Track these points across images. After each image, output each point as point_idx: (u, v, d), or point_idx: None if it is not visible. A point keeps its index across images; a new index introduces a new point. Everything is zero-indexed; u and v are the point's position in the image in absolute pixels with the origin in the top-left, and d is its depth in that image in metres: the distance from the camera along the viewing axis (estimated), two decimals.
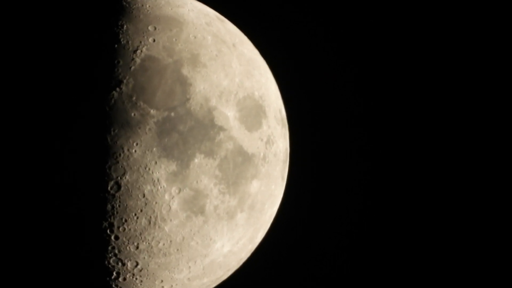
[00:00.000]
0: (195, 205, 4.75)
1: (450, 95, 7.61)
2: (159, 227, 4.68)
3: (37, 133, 4.52)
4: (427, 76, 7.62)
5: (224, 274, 5.43)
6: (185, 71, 4.75)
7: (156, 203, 4.63)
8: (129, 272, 4.84)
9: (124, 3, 4.96)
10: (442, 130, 7.60)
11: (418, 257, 7.61)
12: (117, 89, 4.57)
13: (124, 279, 4.88)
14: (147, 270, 4.85)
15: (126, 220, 4.63)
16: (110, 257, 4.74)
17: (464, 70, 7.57)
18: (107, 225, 4.62)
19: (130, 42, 4.72)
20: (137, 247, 4.72)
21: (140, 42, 4.74)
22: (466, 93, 7.58)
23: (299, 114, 6.85)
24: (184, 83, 4.72)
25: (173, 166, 4.62)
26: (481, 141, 7.55)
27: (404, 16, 7.59)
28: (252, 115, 5.04)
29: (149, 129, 4.56)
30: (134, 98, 4.57)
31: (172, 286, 5.06)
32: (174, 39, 4.84)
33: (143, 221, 4.64)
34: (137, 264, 4.80)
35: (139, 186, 4.58)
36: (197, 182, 4.70)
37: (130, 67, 4.63)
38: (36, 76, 4.59)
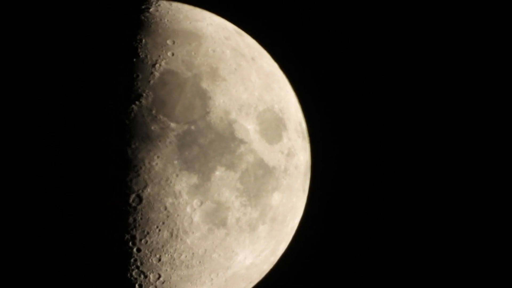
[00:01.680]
0: (217, 217, 4.65)
1: (477, 100, 7.45)
2: (181, 239, 4.59)
3: (57, 146, 4.44)
4: (454, 85, 7.45)
5: (247, 286, 5.32)
6: (204, 84, 4.68)
7: (178, 215, 4.54)
8: (152, 285, 4.74)
9: (143, 18, 4.89)
10: (471, 139, 7.40)
11: (448, 274, 7.40)
12: (137, 102, 4.49)
13: None
14: (170, 283, 4.75)
15: (148, 233, 4.53)
16: (133, 270, 4.64)
17: (488, 74, 7.37)
18: (129, 238, 4.53)
19: (149, 56, 4.66)
20: (159, 260, 4.62)
21: (159, 56, 4.67)
22: (492, 97, 7.38)
23: (320, 127, 6.66)
24: (203, 97, 4.64)
25: (194, 179, 4.53)
26: (507, 146, 7.33)
27: (430, 23, 7.46)
28: (272, 128, 4.95)
29: (170, 142, 4.48)
30: (154, 111, 4.49)
31: None
32: (193, 53, 4.77)
33: (165, 233, 4.55)
34: (160, 276, 4.70)
35: (161, 199, 4.49)
36: (218, 194, 4.61)
37: (149, 81, 4.56)
38: (56, 90, 4.52)
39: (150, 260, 4.61)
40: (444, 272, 7.38)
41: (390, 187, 7.49)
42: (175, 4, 5.15)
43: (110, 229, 4.50)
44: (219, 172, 4.59)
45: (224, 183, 4.61)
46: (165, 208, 4.50)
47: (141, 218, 4.49)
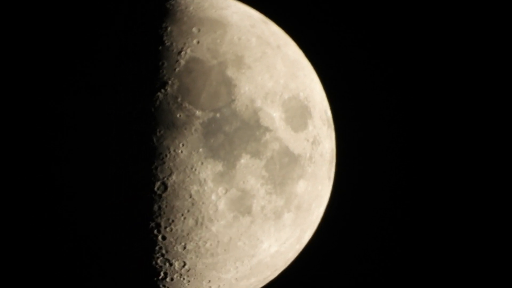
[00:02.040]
0: (242, 205, 4.61)
1: (500, 95, 7.31)
2: (206, 227, 4.56)
3: (84, 134, 4.43)
4: (481, 75, 7.31)
5: (272, 274, 5.28)
6: (229, 72, 4.63)
7: (203, 203, 4.51)
8: (177, 273, 4.72)
9: (168, 6, 4.84)
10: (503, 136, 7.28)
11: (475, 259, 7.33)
12: (162, 90, 4.46)
13: (172, 279, 4.76)
14: (195, 270, 4.73)
15: (173, 221, 4.51)
16: (158, 257, 4.62)
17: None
18: (154, 226, 4.51)
19: (174, 44, 4.61)
20: (185, 247, 4.60)
21: (184, 44, 4.63)
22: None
23: (345, 115, 6.65)
24: (229, 85, 4.60)
25: (219, 167, 4.49)
26: None
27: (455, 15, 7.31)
28: (298, 115, 4.89)
29: (195, 130, 4.44)
30: (179, 99, 4.46)
31: (219, 286, 4.93)
32: (218, 41, 4.72)
33: (190, 221, 4.52)
34: (185, 264, 4.68)
35: (186, 187, 4.46)
36: (243, 182, 4.57)
37: (175, 69, 4.52)
38: (83, 79, 4.50)
39: (175, 248, 4.58)
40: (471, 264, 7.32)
41: (417, 174, 7.42)
42: None
43: (135, 217, 4.48)
44: (244, 160, 4.55)
45: (249, 170, 4.58)
46: (190, 196, 4.47)
47: (166, 206, 4.46)
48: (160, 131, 4.40)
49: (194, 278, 4.77)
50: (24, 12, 4.71)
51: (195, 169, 4.44)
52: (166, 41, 4.60)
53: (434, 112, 7.40)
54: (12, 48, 4.59)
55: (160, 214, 4.47)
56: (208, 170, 4.46)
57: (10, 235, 4.53)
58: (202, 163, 4.44)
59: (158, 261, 4.63)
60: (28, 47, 4.59)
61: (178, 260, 4.64)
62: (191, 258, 4.65)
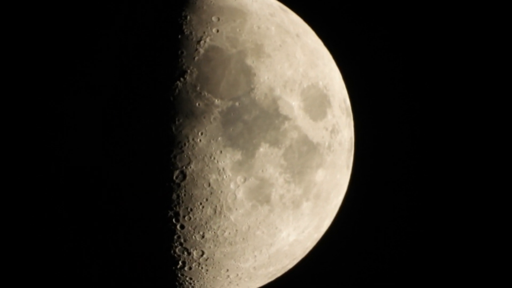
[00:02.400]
0: (260, 194, 4.58)
1: None
2: (224, 216, 4.53)
3: (103, 123, 4.40)
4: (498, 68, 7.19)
5: (290, 263, 5.24)
6: (249, 61, 4.58)
7: (221, 192, 4.48)
8: (195, 261, 4.69)
9: None
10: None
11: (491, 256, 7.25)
12: (181, 79, 4.42)
13: (190, 268, 4.73)
14: (213, 259, 4.70)
15: (191, 209, 4.48)
16: (176, 246, 4.60)
17: None
18: (172, 214, 4.48)
19: (193, 32, 4.56)
20: (203, 236, 4.57)
21: (204, 32, 4.58)
22: None
23: (364, 104, 6.60)
24: (248, 73, 4.55)
25: (238, 156, 4.46)
26: None
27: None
28: (317, 104, 4.84)
29: (214, 118, 4.41)
30: (198, 88, 4.42)
31: (237, 275, 4.89)
32: (237, 30, 4.67)
33: (209, 210, 4.49)
34: (203, 253, 4.65)
35: (204, 175, 4.43)
36: (262, 171, 4.54)
37: (194, 57, 4.48)
38: (104, 67, 4.47)
39: (193, 237, 4.56)
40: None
41: (436, 164, 7.34)
42: None
43: (153, 205, 4.46)
44: (263, 149, 4.51)
45: (268, 159, 4.54)
46: (209, 185, 4.44)
47: (184, 195, 4.43)
48: (179, 120, 4.36)
49: (212, 267, 4.74)
50: (24, 12, 4.68)
51: (214, 158, 4.41)
52: (185, 30, 4.55)
53: (456, 100, 7.33)
54: (12, 48, 4.57)
55: (178, 203, 4.44)
56: (226, 159, 4.43)
57: (10, 235, 4.53)
58: (221, 152, 4.41)
59: (177, 250, 4.61)
60: (28, 47, 4.56)
61: (196, 249, 4.62)
62: (210, 247, 4.62)
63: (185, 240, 4.56)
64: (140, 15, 4.64)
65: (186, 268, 4.72)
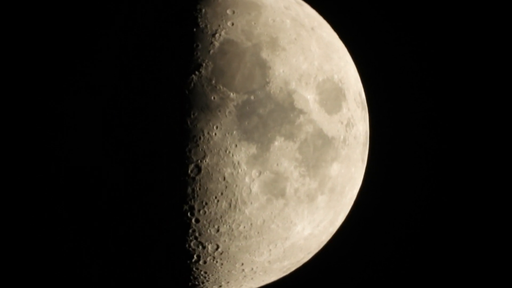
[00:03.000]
0: (275, 188, 4.52)
1: None
2: (239, 210, 4.49)
3: (119, 117, 4.35)
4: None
5: (305, 256, 5.20)
6: (264, 54, 4.53)
7: (236, 186, 4.43)
8: (210, 255, 4.65)
9: None
10: None
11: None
12: (196, 72, 4.36)
13: (205, 262, 4.68)
14: (228, 253, 4.66)
15: (206, 203, 4.43)
16: (191, 240, 4.55)
17: None
18: (187, 208, 4.43)
19: (208, 26, 4.51)
20: (218, 230, 4.53)
21: (219, 25, 4.53)
22: None
23: (379, 97, 6.53)
24: (263, 67, 4.50)
25: (253, 149, 4.41)
26: None
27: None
28: (332, 98, 4.79)
29: (229, 112, 4.36)
30: (213, 81, 4.37)
31: (252, 269, 4.85)
32: (252, 23, 4.61)
33: (224, 204, 4.45)
34: (218, 247, 4.61)
35: (220, 169, 4.38)
36: (277, 165, 4.48)
37: (209, 51, 4.43)
38: (120, 62, 4.42)
39: (208, 230, 4.51)
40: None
41: (453, 158, 7.26)
42: None
43: (168, 199, 4.41)
44: (278, 142, 4.46)
45: (283, 153, 4.49)
46: (224, 179, 4.39)
47: (199, 189, 4.39)
48: (194, 114, 4.32)
49: (227, 261, 4.70)
50: (24, 12, 4.66)
51: (229, 152, 4.37)
52: (200, 23, 4.50)
53: (473, 94, 7.24)
54: (12, 48, 4.55)
55: (193, 197, 4.39)
56: (241, 153, 4.38)
57: (10, 235, 4.51)
58: (236, 146, 4.37)
59: (191, 244, 4.56)
60: (28, 47, 4.53)
61: (211, 243, 4.58)
62: (224, 241, 4.58)
63: (200, 234, 4.52)
64: (155, 9, 4.59)
65: (201, 262, 4.68)
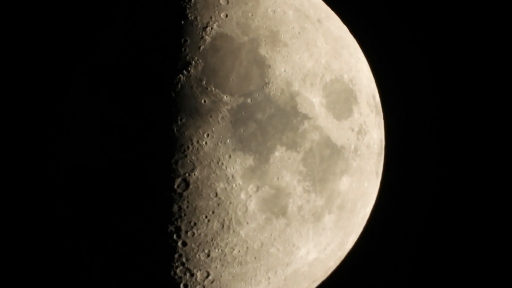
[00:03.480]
0: (275, 205, 4.48)
1: None
2: (233, 231, 4.44)
3: (103, 123, 4.34)
4: None
5: (310, 285, 5.16)
6: (262, 51, 4.49)
7: (230, 203, 4.38)
8: (199, 284, 4.61)
9: None
10: None
11: None
12: (184, 72, 4.32)
13: None
14: (220, 282, 4.62)
15: (195, 224, 4.39)
16: (177, 267, 4.51)
17: None
18: (173, 229, 4.38)
19: (199, 18, 4.47)
20: (208, 255, 4.48)
21: (211, 18, 4.49)
22: None
23: (396, 101, 6.54)
24: (262, 65, 4.46)
25: (250, 161, 4.36)
26: None
27: None
28: (341, 101, 4.76)
29: (222, 118, 4.31)
30: (204, 82, 4.32)
31: None
32: (250, 14, 4.58)
33: (215, 224, 4.40)
34: (208, 274, 4.57)
35: (211, 184, 4.33)
36: (278, 179, 4.44)
37: (199, 47, 4.38)
38: (111, 62, 4.41)
39: (197, 255, 4.47)
40: None
41: (477, 168, 7.23)
42: None
43: (151, 219, 4.37)
44: (279, 153, 4.41)
45: (285, 165, 4.44)
46: (216, 195, 4.34)
47: (187, 207, 4.34)
48: (181, 120, 4.27)
49: None
50: (24, 12, 4.79)
51: (222, 164, 4.32)
52: (189, 15, 4.46)
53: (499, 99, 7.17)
54: (12, 48, 4.67)
55: (180, 216, 4.35)
56: (236, 165, 4.33)
57: (10, 235, 4.67)
58: (230, 157, 4.32)
59: (178, 270, 4.53)
60: (28, 47, 4.63)
61: (200, 269, 4.53)
62: (216, 267, 4.53)
63: (187, 260, 4.48)
64: (140, 6, 4.55)
65: None
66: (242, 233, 4.44)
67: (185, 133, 4.27)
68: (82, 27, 4.59)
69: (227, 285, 4.64)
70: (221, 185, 4.33)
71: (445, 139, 7.17)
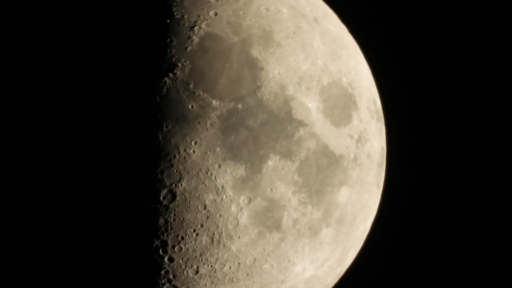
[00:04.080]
0: (269, 218, 4.55)
1: None
2: (224, 246, 4.51)
3: (95, 126, 4.42)
4: None
5: None
6: (255, 52, 4.57)
7: (220, 216, 4.45)
8: None
9: None
10: None
11: None
12: (170, 74, 4.40)
13: None
14: None
15: (183, 238, 4.45)
16: (163, 284, 4.58)
17: None
18: (159, 244, 4.46)
19: (186, 16, 4.56)
20: (197, 272, 4.54)
21: (199, 16, 4.57)
22: None
23: (398, 106, 6.61)
24: (254, 67, 4.53)
25: (241, 170, 4.44)
26: None
27: None
28: (340, 106, 4.83)
29: (211, 124, 4.38)
30: (191, 86, 4.39)
31: None
32: (241, 13, 4.67)
33: (204, 238, 4.46)
34: None
35: (199, 196, 4.40)
36: (271, 190, 4.51)
37: (186, 48, 4.46)
38: (96, 68, 4.50)
39: (185, 272, 4.53)
40: None
41: (485, 178, 7.31)
42: None
43: (136, 233, 4.44)
44: (272, 162, 4.48)
45: (279, 175, 4.51)
46: (205, 207, 4.40)
47: (174, 220, 4.41)
48: (167, 126, 4.34)
49: None
50: (24, 12, 4.89)
51: (211, 174, 4.38)
52: (175, 13, 4.54)
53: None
54: (13, 48, 4.76)
55: (167, 230, 4.42)
56: (227, 175, 4.40)
57: (10, 235, 4.76)
58: (219, 166, 4.38)
59: None
60: (29, 47, 4.73)
61: (188, 287, 4.59)
62: (205, 284, 4.59)
63: (174, 276, 4.54)
64: (125, 5, 4.65)
65: None
66: (233, 248, 4.49)
67: (171, 141, 4.33)
68: (82, 27, 4.65)
69: None
70: (210, 196, 4.38)
71: (451, 146, 7.25)
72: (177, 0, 4.60)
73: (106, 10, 4.65)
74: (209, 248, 4.47)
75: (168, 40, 4.46)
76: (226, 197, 4.41)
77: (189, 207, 4.39)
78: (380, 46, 6.65)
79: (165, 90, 4.36)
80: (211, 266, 4.52)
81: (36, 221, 4.61)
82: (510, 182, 7.27)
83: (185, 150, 4.34)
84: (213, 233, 4.44)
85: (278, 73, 4.56)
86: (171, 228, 4.41)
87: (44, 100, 4.52)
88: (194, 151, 4.34)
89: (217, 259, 4.51)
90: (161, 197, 4.36)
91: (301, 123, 4.57)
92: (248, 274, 4.62)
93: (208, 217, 4.41)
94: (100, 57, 4.50)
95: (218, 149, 4.36)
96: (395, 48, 7.16)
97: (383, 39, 7.04)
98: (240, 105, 4.42)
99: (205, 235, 4.44)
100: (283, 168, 4.50)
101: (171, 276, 4.54)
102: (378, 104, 5.35)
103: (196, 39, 4.47)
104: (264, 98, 4.48)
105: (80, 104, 4.47)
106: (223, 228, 4.45)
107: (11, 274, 4.88)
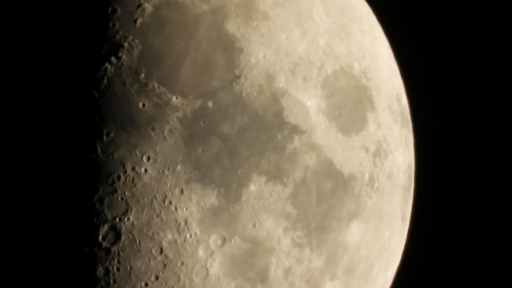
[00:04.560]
0: (251, 267, 4.61)
1: None
2: None
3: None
4: None
5: None
6: (231, 26, 4.64)
7: (182, 264, 4.50)
8: None
9: None
10: None
11: None
12: (113, 59, 4.47)
13: None
14: None
15: None
16: None
17: None
18: None
19: None
20: None
21: None
22: None
23: (429, 105, 6.63)
24: (230, 49, 4.60)
25: (212, 198, 4.48)
26: None
27: None
28: (350, 105, 4.91)
29: (170, 131, 4.44)
30: (142, 75, 4.46)
31: None
32: None
33: None
34: None
35: (153, 234, 4.45)
36: (254, 226, 4.57)
37: (135, 20, 4.53)
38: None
39: None
40: None
41: None
42: None
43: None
44: (255, 186, 4.54)
45: (265, 205, 4.57)
46: (161, 251, 4.47)
47: (118, 269, 4.47)
48: (108, 134, 4.40)
49: None
50: (24, 12, 5.06)
51: (170, 203, 4.43)
52: None
53: None
54: (12, 48, 4.94)
55: (108, 284, 4.48)
56: (192, 205, 4.45)
57: (10, 235, 4.95)
58: (181, 192, 4.43)
59: None
60: (29, 47, 4.87)
61: None
62: None
63: None
64: None
65: None
66: None
67: (114, 156, 4.40)
68: (82, 27, 4.67)
69: None
70: (169, 235, 4.43)
71: (505, 162, 7.42)
72: None
73: None
74: None
75: (110, 9, 4.52)
76: (191, 236, 4.45)
77: (139, 251, 4.44)
78: (406, 19, 6.69)
79: (105, 81, 4.43)
80: None
81: (36, 221, 4.74)
82: None
83: (133, 168, 4.40)
84: None
85: (264, 57, 4.62)
86: (114, 282, 4.46)
87: (44, 100, 4.60)
88: (146, 170, 4.40)
89: None
90: (99, 237, 4.43)
91: (296, 130, 4.63)
92: None
93: (165, 266, 4.46)
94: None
95: (179, 166, 4.41)
96: (427, 22, 7.23)
97: (410, 8, 7.09)
98: (210, 103, 4.47)
99: None
100: (271, 195, 4.56)
101: None
102: (404, 102, 5.44)
103: (149, 7, 4.53)
104: (244, 93, 4.53)
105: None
106: (187, 281, 4.49)
107: (11, 274, 5.10)
